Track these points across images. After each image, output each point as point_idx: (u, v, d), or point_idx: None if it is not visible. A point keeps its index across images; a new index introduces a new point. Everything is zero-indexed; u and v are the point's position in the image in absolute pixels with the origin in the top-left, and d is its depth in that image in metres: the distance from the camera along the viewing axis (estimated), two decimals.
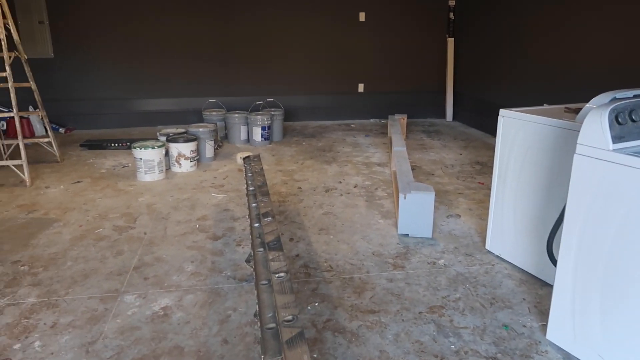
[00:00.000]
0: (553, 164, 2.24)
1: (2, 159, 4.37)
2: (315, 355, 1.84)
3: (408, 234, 2.91)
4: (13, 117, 3.98)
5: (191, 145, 4.27)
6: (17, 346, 1.89)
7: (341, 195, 3.66)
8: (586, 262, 1.74)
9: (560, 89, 4.54)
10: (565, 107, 2.47)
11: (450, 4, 6.61)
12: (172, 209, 3.36)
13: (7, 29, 4.01)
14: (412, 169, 4.03)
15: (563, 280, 1.84)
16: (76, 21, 5.93)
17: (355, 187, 3.86)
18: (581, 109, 2.22)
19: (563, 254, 1.82)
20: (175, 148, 4.22)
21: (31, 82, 4.31)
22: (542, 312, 2.12)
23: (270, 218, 2.11)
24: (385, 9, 6.55)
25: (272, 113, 5.48)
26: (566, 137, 2.15)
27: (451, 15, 6.63)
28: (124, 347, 1.89)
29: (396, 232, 2.97)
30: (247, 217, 3.06)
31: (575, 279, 1.79)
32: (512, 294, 2.27)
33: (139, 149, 3.95)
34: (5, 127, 5.63)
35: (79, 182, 4.01)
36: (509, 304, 2.19)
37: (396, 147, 4.05)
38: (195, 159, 4.36)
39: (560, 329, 1.88)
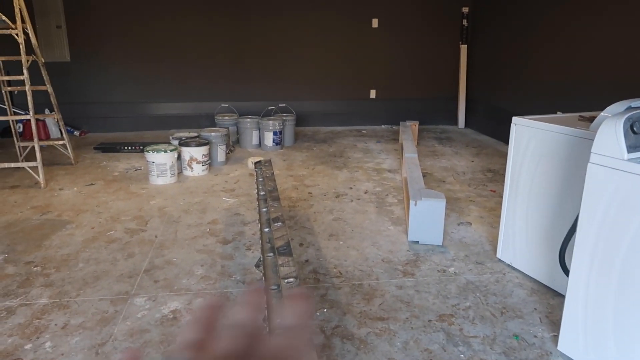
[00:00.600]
0: (566, 173, 2.22)
1: (18, 161, 4.44)
2: None
3: (418, 241, 2.90)
4: (29, 120, 4.05)
5: (203, 150, 4.30)
6: (28, 346, 1.92)
7: (351, 201, 3.66)
8: (599, 272, 1.72)
9: (574, 97, 4.50)
10: (580, 116, 2.45)
11: (463, 11, 6.59)
12: (183, 213, 3.38)
13: (25, 33, 4.08)
14: (423, 176, 4.00)
15: (575, 290, 1.81)
16: (92, 26, 6.02)
17: (365, 193, 3.85)
18: (595, 117, 2.20)
19: (576, 263, 1.80)
20: (188, 152, 4.25)
21: (48, 86, 4.38)
22: (554, 323, 2.09)
23: (280, 223, 2.12)
24: (399, 15, 6.55)
25: (284, 118, 5.50)
26: (580, 145, 2.13)
27: (464, 22, 6.61)
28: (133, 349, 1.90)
29: (406, 239, 2.96)
30: (258, 221, 3.07)
31: (587, 289, 1.77)
32: (523, 304, 2.25)
33: (151, 152, 3.98)
34: (21, 129, 5.72)
35: (92, 184, 4.05)
36: (520, 314, 2.17)
37: (407, 153, 4.04)
38: (207, 163, 4.39)
39: (572, 340, 1.85)
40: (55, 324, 2.07)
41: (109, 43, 6.10)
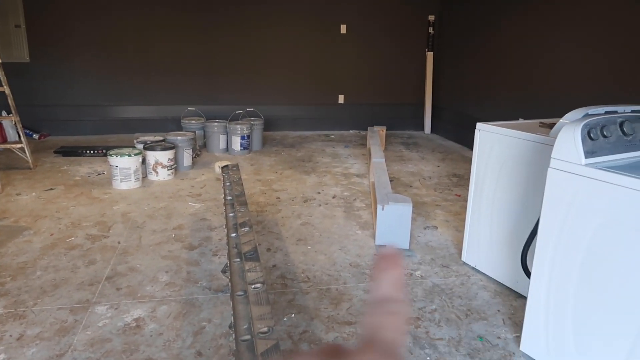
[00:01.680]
0: (528, 178, 2.28)
1: None
2: None
3: (385, 245, 2.92)
4: None
5: (169, 154, 4.22)
6: None
7: (320, 205, 3.66)
8: (559, 274, 1.77)
9: (536, 104, 4.64)
10: (540, 122, 2.52)
11: (430, 19, 6.72)
12: (147, 218, 3.31)
13: None
14: (391, 181, 4.05)
15: (537, 292, 1.86)
16: (54, 25, 5.84)
17: (333, 197, 3.86)
18: (555, 124, 2.27)
19: (537, 266, 1.85)
20: (153, 156, 4.17)
21: (5, 87, 4.22)
22: (517, 324, 2.14)
23: (247, 228, 2.09)
24: (367, 22, 6.62)
25: (252, 122, 5.47)
26: (541, 151, 2.19)
27: (431, 30, 6.74)
28: (94, 359, 1.84)
29: (374, 243, 2.98)
30: (224, 226, 3.03)
31: (548, 291, 1.81)
32: (487, 306, 2.29)
33: (115, 156, 3.88)
34: None
35: (51, 189, 3.92)
36: (484, 316, 2.21)
37: (375, 158, 4.07)
38: (173, 167, 4.31)
39: (534, 340, 1.89)
40: (10, 335, 1.98)
41: (71, 43, 5.93)
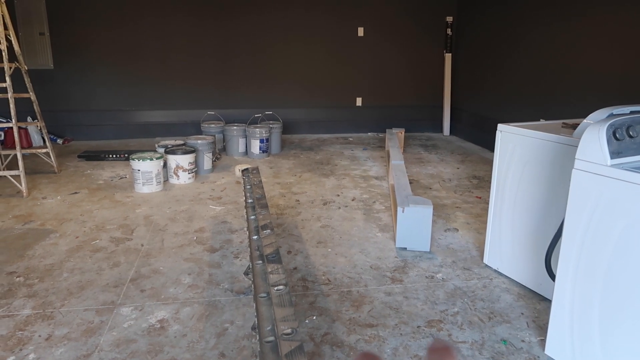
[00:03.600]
0: (551, 179, 2.25)
1: None
2: None
3: (406, 248, 2.91)
4: (11, 128, 3.98)
5: (189, 157, 4.27)
6: (11, 359, 1.87)
7: (339, 208, 3.66)
8: (585, 276, 1.74)
9: (557, 104, 4.58)
10: (563, 123, 2.49)
11: (447, 20, 6.68)
12: (169, 221, 3.35)
13: (8, 40, 4.03)
14: (410, 183, 4.03)
15: (561, 295, 1.83)
16: (76, 33, 5.96)
17: (353, 200, 3.86)
18: (578, 124, 2.24)
19: (561, 268, 1.83)
20: (174, 160, 4.22)
21: (31, 93, 4.32)
22: (541, 327, 2.11)
23: (269, 230, 2.11)
24: (384, 24, 6.62)
25: (271, 126, 5.50)
26: (564, 152, 2.17)
27: (449, 31, 6.70)
28: None
29: (394, 245, 2.97)
30: (245, 229, 3.06)
31: (573, 293, 1.79)
32: (510, 309, 2.27)
33: (137, 160, 3.95)
34: (3, 138, 5.62)
35: (76, 193, 4.00)
36: (507, 319, 2.18)
37: (394, 160, 4.06)
38: (193, 170, 4.36)
39: (559, 344, 1.87)
40: (39, 335, 2.02)
41: (93, 50, 6.05)
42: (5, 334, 2.03)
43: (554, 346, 1.89)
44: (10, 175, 3.99)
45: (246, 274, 2.48)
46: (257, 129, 5.26)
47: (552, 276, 2.08)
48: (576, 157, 1.74)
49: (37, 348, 1.94)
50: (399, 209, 2.83)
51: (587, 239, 1.72)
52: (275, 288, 1.62)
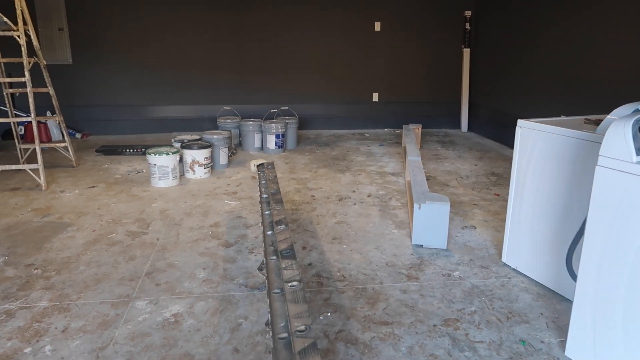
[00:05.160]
0: (573, 176, 2.19)
1: (19, 163, 4.42)
2: None
3: (422, 245, 2.87)
4: (31, 122, 4.03)
5: (205, 152, 4.28)
6: (27, 350, 1.89)
7: (355, 204, 3.63)
8: (608, 277, 1.69)
9: (579, 100, 4.48)
10: (585, 119, 2.43)
11: (466, 14, 6.58)
12: (185, 215, 3.36)
13: (27, 35, 4.07)
14: (427, 179, 3.98)
15: (583, 295, 1.78)
16: (94, 28, 6.02)
17: (368, 196, 3.82)
18: (601, 120, 2.18)
19: (583, 268, 1.77)
20: (190, 154, 4.23)
21: (49, 88, 4.37)
22: (561, 328, 2.06)
23: (283, 226, 2.09)
24: (401, 18, 6.55)
25: (287, 121, 5.49)
26: (587, 148, 2.11)
27: (467, 26, 6.60)
28: (134, 353, 1.88)
29: (410, 242, 2.93)
30: (260, 224, 3.05)
31: (596, 294, 1.74)
32: (529, 309, 2.22)
33: (153, 155, 3.97)
34: (23, 132, 5.70)
35: (93, 187, 4.04)
36: (526, 319, 2.14)
37: (411, 156, 4.01)
38: (209, 165, 4.37)
39: (579, 345, 1.82)
40: (56, 327, 2.04)
41: (111, 46, 6.10)
42: (23, 325, 2.05)
43: (574, 347, 1.84)
44: (29, 169, 4.04)
45: (260, 269, 2.46)
46: (273, 125, 5.25)
47: (574, 276, 2.03)
48: (600, 153, 1.68)
49: (54, 340, 1.95)
50: (416, 206, 2.79)
51: (610, 238, 1.67)
52: (289, 284, 1.60)
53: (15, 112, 4.70)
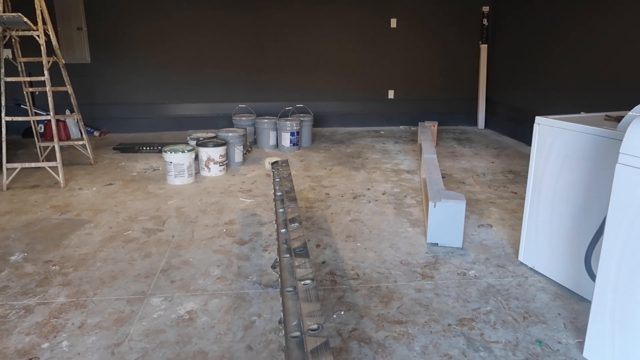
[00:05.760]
0: (592, 174, 2.14)
1: (38, 161, 4.50)
2: None
3: (437, 243, 2.84)
4: (50, 120, 4.10)
5: (220, 150, 4.30)
6: (45, 345, 1.92)
7: (369, 202, 3.61)
8: (628, 276, 1.65)
9: (599, 96, 4.38)
10: (606, 115, 2.37)
11: (484, 10, 6.49)
12: (200, 213, 3.38)
13: (46, 35, 4.14)
14: (443, 177, 3.94)
15: (602, 295, 1.74)
16: (112, 28, 6.08)
17: (383, 194, 3.80)
18: (623, 117, 2.13)
19: (603, 267, 1.73)
20: (205, 152, 4.26)
21: (68, 87, 4.43)
22: (579, 329, 2.02)
23: (297, 224, 2.09)
24: (418, 15, 6.49)
25: (301, 119, 5.48)
26: (607, 146, 2.06)
27: (485, 22, 6.51)
28: (149, 350, 1.89)
29: (425, 241, 2.91)
30: (274, 222, 3.05)
31: (615, 294, 1.70)
32: (546, 309, 2.18)
33: (169, 152, 4.00)
34: (42, 130, 5.80)
35: (110, 184, 4.08)
36: (543, 319, 2.10)
37: (426, 154, 3.98)
38: (224, 163, 4.39)
39: (598, 347, 1.78)
40: (72, 323, 2.07)
41: (128, 45, 6.16)
42: (41, 320, 2.09)
43: (593, 349, 1.81)
44: (48, 167, 4.10)
45: (273, 267, 2.46)
46: (288, 122, 5.25)
47: (592, 276, 1.98)
48: (620, 151, 1.64)
49: (70, 336, 1.98)
50: (431, 204, 2.76)
51: (631, 237, 1.63)
52: (302, 282, 1.59)
53: (35, 110, 4.77)
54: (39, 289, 2.35)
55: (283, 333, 1.40)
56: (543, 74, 5.30)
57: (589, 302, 1.82)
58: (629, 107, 1.91)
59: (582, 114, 2.51)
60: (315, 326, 1.36)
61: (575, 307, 2.19)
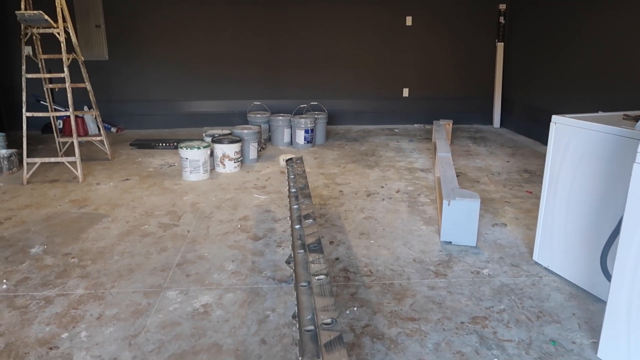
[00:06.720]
0: (609, 174, 2.13)
1: (57, 156, 4.58)
2: None
3: (451, 242, 2.84)
4: (69, 116, 4.17)
5: (235, 147, 4.33)
6: (64, 335, 1.97)
7: (383, 200, 3.62)
8: None
9: (617, 95, 4.33)
10: (624, 114, 2.35)
11: (500, 8, 6.44)
12: (215, 209, 3.42)
13: (66, 32, 4.21)
14: (457, 176, 3.92)
15: (618, 295, 1.73)
16: (130, 25, 6.16)
17: (397, 192, 3.80)
18: None
19: (619, 268, 1.72)
20: (220, 149, 4.30)
21: (87, 83, 4.50)
22: (594, 329, 2.01)
23: (311, 220, 2.11)
24: (433, 13, 6.46)
25: (316, 116, 5.50)
26: (625, 145, 2.04)
27: (501, 20, 6.46)
28: (165, 341, 1.93)
29: (439, 239, 2.90)
30: (289, 218, 3.07)
31: (631, 294, 1.69)
32: (560, 308, 2.17)
33: (185, 149, 4.04)
34: (61, 126, 5.89)
35: (127, 179, 4.15)
36: (557, 319, 2.09)
37: (441, 152, 3.97)
38: (239, 160, 4.42)
39: (613, 347, 1.77)
40: (91, 315, 2.11)
41: (145, 42, 6.23)
42: (60, 311, 2.14)
43: (607, 350, 1.80)
44: (67, 162, 4.18)
45: (287, 262, 2.49)
46: (302, 120, 5.27)
47: (608, 276, 1.97)
48: (638, 150, 1.63)
49: (89, 327, 2.03)
50: (445, 202, 2.76)
51: None
52: (316, 278, 1.61)
53: (54, 106, 4.86)
54: (59, 281, 2.40)
55: (297, 327, 1.42)
56: (560, 72, 5.24)
57: (604, 303, 1.81)
58: None
59: (600, 113, 2.48)
60: (329, 320, 1.37)
61: (590, 308, 2.18)
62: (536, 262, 2.60)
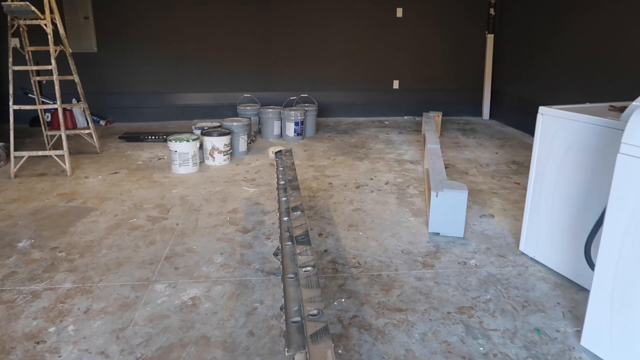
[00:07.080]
0: (595, 164, 2.15)
1: (45, 149, 4.54)
2: (340, 351, 1.83)
3: (439, 233, 2.86)
4: (57, 109, 4.13)
5: (225, 139, 4.32)
6: (52, 329, 1.96)
7: (372, 192, 3.63)
8: (627, 267, 1.66)
9: (604, 87, 4.36)
10: (610, 105, 2.37)
11: None
12: (204, 201, 3.41)
13: (54, 24, 4.15)
14: (446, 167, 3.95)
15: (601, 285, 1.76)
16: (119, 17, 6.09)
17: (386, 184, 3.81)
18: (626, 107, 2.12)
19: (602, 257, 1.75)
20: (209, 141, 4.28)
21: (75, 75, 4.46)
22: (578, 318, 2.04)
23: (299, 212, 2.11)
24: (424, 4, 6.45)
25: (306, 109, 5.49)
26: (610, 136, 2.06)
27: (491, 11, 6.47)
28: (153, 334, 1.93)
29: (427, 230, 2.92)
30: (277, 210, 3.07)
31: (614, 284, 1.71)
32: (545, 298, 2.20)
33: (174, 141, 4.02)
34: (49, 119, 5.84)
35: (116, 173, 4.12)
36: (542, 308, 2.12)
37: (430, 144, 3.98)
38: (229, 152, 4.41)
39: (596, 335, 1.80)
40: (78, 308, 2.11)
41: (134, 34, 6.17)
42: (47, 305, 2.13)
43: (591, 338, 1.82)
44: (55, 155, 4.14)
45: (275, 254, 2.49)
46: (292, 112, 5.26)
47: (592, 265, 2.00)
48: (622, 141, 1.65)
49: (76, 320, 2.02)
50: (433, 194, 2.77)
51: (631, 227, 1.64)
52: (303, 269, 1.62)
53: (42, 99, 4.80)
54: (46, 275, 2.39)
55: (284, 319, 1.43)
56: (549, 64, 5.27)
57: (588, 292, 1.84)
58: (633, 98, 1.90)
59: (587, 105, 2.50)
60: (315, 311, 1.38)
61: (574, 297, 2.21)
62: (522, 252, 2.62)
